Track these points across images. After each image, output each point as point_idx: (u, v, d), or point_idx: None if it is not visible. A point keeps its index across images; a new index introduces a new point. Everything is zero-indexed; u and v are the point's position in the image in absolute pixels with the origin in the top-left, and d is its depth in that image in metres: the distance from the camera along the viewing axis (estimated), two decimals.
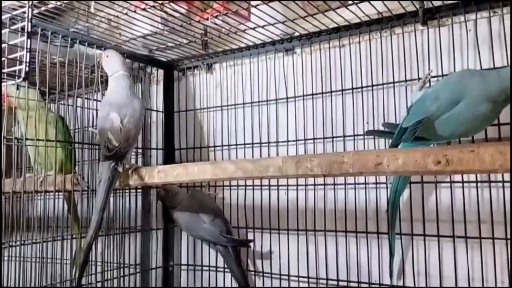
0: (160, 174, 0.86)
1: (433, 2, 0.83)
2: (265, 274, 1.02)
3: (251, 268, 1.04)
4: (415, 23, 0.86)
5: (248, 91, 1.08)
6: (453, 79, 0.68)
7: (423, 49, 0.87)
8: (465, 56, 0.82)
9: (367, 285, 0.89)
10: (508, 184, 0.77)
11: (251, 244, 1.02)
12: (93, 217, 0.85)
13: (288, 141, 1.01)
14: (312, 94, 0.98)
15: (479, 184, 0.79)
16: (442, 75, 0.84)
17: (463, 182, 0.81)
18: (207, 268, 1.10)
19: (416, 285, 0.84)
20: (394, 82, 0.89)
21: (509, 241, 0.75)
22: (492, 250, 0.77)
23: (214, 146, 1.12)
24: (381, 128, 0.87)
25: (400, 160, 0.63)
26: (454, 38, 0.84)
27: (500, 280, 0.76)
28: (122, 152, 0.86)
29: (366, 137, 0.91)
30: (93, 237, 0.84)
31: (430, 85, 0.81)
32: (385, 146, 0.87)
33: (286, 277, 0.99)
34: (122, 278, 1.05)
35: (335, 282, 0.92)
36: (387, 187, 0.88)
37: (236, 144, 1.08)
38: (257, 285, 1.03)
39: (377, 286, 0.88)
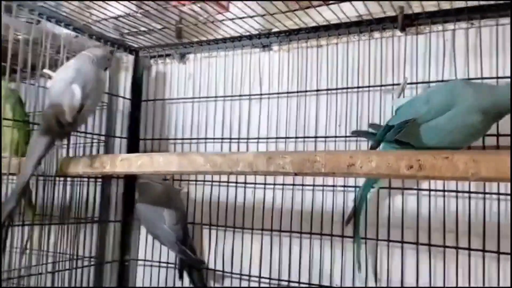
0: (123, 162, 0.81)
1: (413, 8, 0.83)
2: (225, 274, 0.99)
3: (211, 266, 1.01)
4: (394, 29, 0.86)
5: (221, 85, 1.05)
6: (447, 86, 0.66)
7: (399, 55, 0.87)
8: (440, 65, 0.83)
9: None
10: (474, 195, 0.77)
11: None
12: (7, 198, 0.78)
13: (259, 138, 0.99)
14: (287, 93, 0.97)
15: (446, 193, 0.80)
16: (417, 83, 0.84)
17: (429, 190, 0.81)
18: (165, 265, 1.06)
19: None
20: (369, 86, 0.88)
21: (471, 251, 0.76)
22: (455, 259, 0.77)
23: (182, 139, 1.08)
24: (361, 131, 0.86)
25: (373, 163, 0.62)
26: (431, 47, 0.84)
27: None
28: (71, 129, 0.81)
29: (337, 139, 0.91)
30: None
31: (404, 95, 0.80)
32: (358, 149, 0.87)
33: (247, 277, 0.96)
34: (74, 270, 1.00)
35: (297, 284, 0.91)
36: (355, 191, 0.87)
37: (206, 138, 1.05)
38: (216, 285, 1.01)
39: None
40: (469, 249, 0.76)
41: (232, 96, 1.03)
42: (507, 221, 0.75)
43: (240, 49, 1.03)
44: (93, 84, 0.83)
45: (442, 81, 0.81)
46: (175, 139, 1.09)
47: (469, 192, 0.78)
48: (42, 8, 0.90)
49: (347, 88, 0.90)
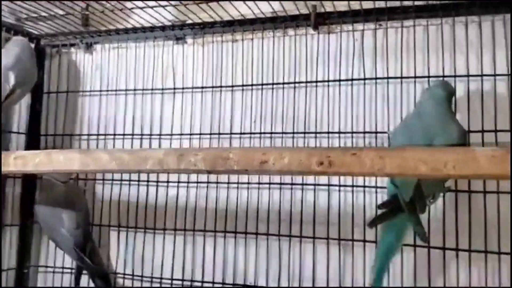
0: (18, 161, 0.73)
1: (326, 7, 0.84)
2: (135, 277, 0.94)
3: (120, 270, 0.95)
4: (307, 26, 0.87)
5: (131, 78, 1.00)
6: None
7: (312, 53, 0.88)
8: (350, 64, 0.85)
9: (241, 286, 0.87)
10: (380, 190, 0.81)
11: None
12: None
13: (172, 134, 0.95)
14: (202, 88, 0.94)
15: (354, 189, 0.82)
16: (328, 81, 0.86)
17: (339, 186, 0.83)
18: (69, 270, 0.98)
19: (291, 286, 0.84)
20: (283, 83, 0.88)
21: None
22: (362, 252, 0.80)
23: (88, 135, 1.01)
24: None
25: (285, 159, 0.61)
26: (341, 46, 0.86)
27: (368, 282, 0.79)
28: None
29: (252, 136, 0.90)
30: None
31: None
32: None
33: (158, 280, 0.92)
34: None
35: (210, 285, 0.89)
36: (269, 188, 0.87)
37: (114, 134, 0.99)
38: None
39: (252, 287, 0.86)
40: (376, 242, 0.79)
41: (143, 90, 0.98)
42: None
43: (152, 41, 0.98)
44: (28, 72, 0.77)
45: (352, 80, 0.84)
46: (81, 135, 1.02)
47: (376, 187, 0.81)
48: None
49: (262, 84, 0.90)
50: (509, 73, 0.75)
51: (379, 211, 0.68)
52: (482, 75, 0.76)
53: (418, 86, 0.80)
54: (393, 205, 0.65)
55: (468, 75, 0.77)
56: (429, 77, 0.79)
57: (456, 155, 0.53)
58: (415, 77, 0.80)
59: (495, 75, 0.76)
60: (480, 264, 0.73)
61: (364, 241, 0.80)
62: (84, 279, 0.92)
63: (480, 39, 0.77)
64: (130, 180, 0.97)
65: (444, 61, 0.79)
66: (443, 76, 0.78)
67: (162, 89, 0.97)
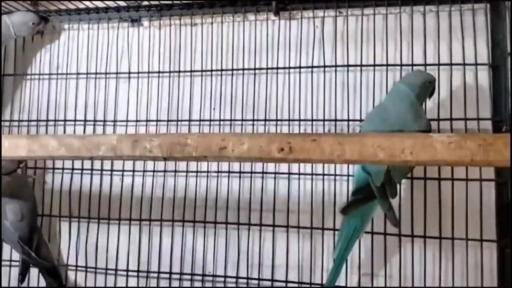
0: None
1: None
2: (88, 269, 0.90)
3: (72, 262, 0.91)
4: (268, 12, 0.86)
5: (84, 61, 0.95)
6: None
7: (273, 40, 0.87)
8: (310, 52, 0.84)
9: (200, 277, 0.85)
10: (339, 178, 0.81)
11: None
12: None
13: (127, 121, 0.91)
14: (158, 72, 0.90)
15: (314, 177, 0.82)
16: (289, 68, 0.85)
17: (299, 174, 0.83)
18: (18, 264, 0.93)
19: (250, 276, 0.83)
20: (243, 69, 0.87)
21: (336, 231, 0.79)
22: (321, 239, 0.80)
23: (37, 121, 0.95)
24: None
25: (245, 145, 0.59)
26: (302, 33, 0.85)
27: (326, 268, 0.79)
28: None
29: (211, 123, 0.87)
30: None
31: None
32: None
33: (113, 272, 0.89)
34: None
35: (167, 275, 0.86)
36: (229, 176, 0.85)
37: (65, 120, 0.94)
38: (77, 283, 0.91)
39: (211, 277, 0.85)
40: (334, 229, 0.79)
41: (96, 73, 0.93)
42: None
43: (106, 22, 0.94)
44: None
45: (312, 67, 0.83)
46: (29, 120, 0.96)
47: (335, 175, 0.81)
48: None
49: (222, 70, 0.87)
50: (463, 62, 0.77)
51: (351, 198, 0.68)
52: (438, 64, 0.77)
53: (377, 74, 0.80)
54: (367, 192, 0.65)
55: (425, 64, 0.78)
56: (387, 65, 0.80)
57: (413, 141, 0.53)
58: (374, 65, 0.80)
59: (451, 64, 0.77)
60: (435, 249, 0.75)
61: (323, 229, 0.80)
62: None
63: (438, 29, 0.78)
64: (82, 169, 0.92)
65: (402, 49, 0.79)
66: (401, 65, 0.79)
67: (117, 73, 0.93)
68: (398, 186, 0.70)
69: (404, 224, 0.75)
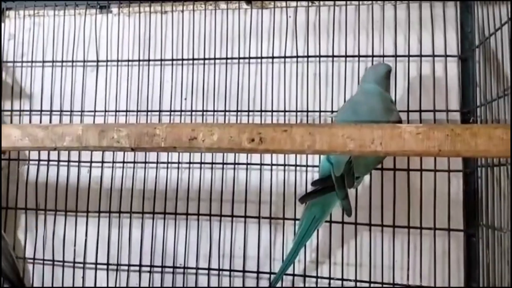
0: None
1: None
2: (55, 263, 0.88)
3: (39, 256, 0.88)
4: (240, 0, 0.84)
5: (50, 49, 0.91)
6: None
7: (245, 29, 0.85)
8: (283, 42, 0.84)
9: (171, 269, 0.84)
10: (311, 169, 0.81)
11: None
12: None
13: (95, 111, 0.88)
14: (128, 61, 0.88)
15: (286, 167, 0.82)
16: (261, 57, 0.84)
17: (271, 164, 0.82)
18: None
19: (221, 267, 0.82)
20: (215, 59, 0.85)
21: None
22: (293, 230, 0.80)
23: (1, 111, 0.92)
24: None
25: (215, 136, 0.59)
26: (274, 22, 0.84)
27: (297, 259, 0.79)
28: None
29: (183, 113, 0.86)
30: None
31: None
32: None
33: (81, 265, 0.87)
34: None
35: (137, 268, 0.85)
36: (201, 167, 0.84)
37: (30, 110, 0.90)
38: (44, 276, 0.88)
39: (182, 269, 0.84)
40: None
41: (62, 62, 0.90)
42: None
43: (73, 9, 0.90)
44: None
45: (285, 57, 0.82)
46: None
47: (307, 166, 0.81)
48: None
49: (193, 59, 0.86)
50: (433, 54, 0.78)
51: (310, 188, 0.68)
52: (409, 56, 0.78)
53: (348, 65, 0.80)
54: (327, 183, 0.65)
55: (395, 55, 0.78)
56: (359, 56, 0.80)
57: (382, 131, 0.53)
58: (346, 56, 0.80)
59: (421, 55, 0.78)
60: (403, 238, 0.76)
61: (295, 219, 0.80)
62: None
63: (408, 20, 0.79)
64: (49, 160, 0.89)
65: (374, 40, 0.80)
66: (372, 56, 0.79)
67: (84, 61, 0.90)
68: (365, 177, 0.70)
69: (374, 214, 0.76)
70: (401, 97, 0.78)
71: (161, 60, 0.87)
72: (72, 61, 0.90)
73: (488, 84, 0.69)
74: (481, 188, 0.71)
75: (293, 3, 0.83)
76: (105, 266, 0.86)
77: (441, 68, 0.77)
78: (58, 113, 0.90)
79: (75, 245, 0.87)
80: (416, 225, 0.75)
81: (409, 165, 0.76)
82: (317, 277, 0.79)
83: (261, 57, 0.84)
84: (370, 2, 0.81)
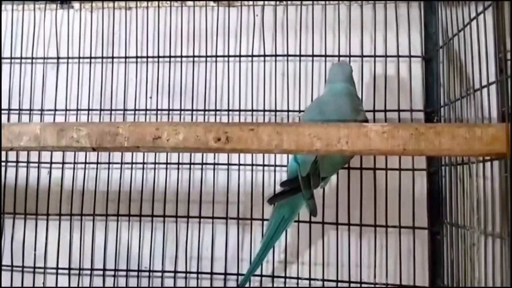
0: None
1: None
2: (14, 268, 0.84)
3: None
4: None
5: (7, 44, 0.88)
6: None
7: (212, 27, 0.84)
8: (250, 40, 0.83)
9: (136, 273, 0.82)
10: (279, 168, 0.80)
11: None
12: None
13: (56, 110, 0.85)
14: (90, 58, 0.85)
15: (254, 167, 0.81)
16: (228, 56, 0.83)
17: (239, 164, 0.81)
18: None
19: (188, 270, 0.81)
20: (181, 57, 0.84)
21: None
22: (260, 231, 0.79)
23: (0, 112, 0.87)
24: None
25: (180, 135, 0.57)
26: (242, 21, 0.84)
27: (266, 259, 0.78)
28: None
29: (148, 112, 0.84)
30: None
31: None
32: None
33: (42, 270, 0.83)
34: None
35: (101, 272, 0.82)
36: (167, 168, 0.83)
37: None
38: (3, 283, 0.84)
39: (147, 272, 0.82)
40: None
41: (21, 58, 0.87)
42: None
43: (32, 3, 0.87)
44: None
45: (252, 56, 0.82)
46: None
47: (275, 165, 0.80)
48: None
49: (159, 57, 0.84)
50: (398, 54, 0.79)
51: (279, 189, 0.67)
52: (375, 56, 0.79)
53: (315, 65, 0.80)
54: (294, 184, 0.65)
55: (362, 56, 0.79)
56: (326, 56, 0.80)
57: (348, 130, 0.53)
58: (313, 55, 0.80)
59: (386, 56, 0.79)
60: (370, 236, 0.77)
61: (263, 219, 0.79)
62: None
63: (374, 21, 0.79)
64: (7, 161, 0.85)
65: (340, 40, 0.80)
66: (339, 56, 0.80)
67: (44, 58, 0.86)
68: (332, 176, 0.70)
69: (341, 213, 0.76)
70: (367, 97, 0.78)
71: (126, 57, 0.85)
72: (32, 58, 0.86)
73: (452, 84, 0.70)
74: (444, 186, 0.73)
75: (260, 2, 0.83)
76: (66, 271, 0.83)
77: (406, 68, 0.78)
78: (17, 111, 0.86)
79: (35, 250, 0.84)
80: (382, 224, 0.75)
81: (375, 164, 0.77)
82: (285, 277, 0.78)
83: (228, 56, 0.83)
84: (336, 2, 0.81)
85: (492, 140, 0.51)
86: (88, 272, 0.83)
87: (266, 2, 0.83)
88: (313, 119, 0.67)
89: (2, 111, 0.86)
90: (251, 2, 0.83)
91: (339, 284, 0.76)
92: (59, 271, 0.83)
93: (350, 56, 0.79)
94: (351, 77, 0.70)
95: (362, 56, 0.79)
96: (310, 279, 0.77)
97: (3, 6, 0.89)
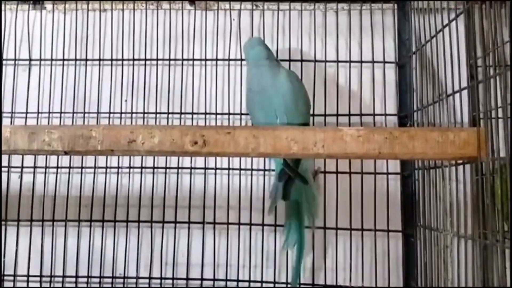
0: None
1: None
2: None
3: None
4: (183, 0, 0.83)
5: None
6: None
7: (189, 30, 0.84)
8: (227, 44, 0.83)
9: (110, 279, 0.80)
10: (255, 172, 0.80)
11: None
12: None
13: (27, 112, 0.83)
14: (63, 60, 0.83)
15: (230, 171, 0.81)
16: (206, 60, 0.83)
17: (216, 168, 0.81)
18: None
19: (163, 276, 0.80)
20: (157, 60, 0.83)
21: (254, 226, 0.79)
22: (237, 235, 0.79)
23: (0, 113, 0.84)
24: None
25: (156, 139, 0.57)
26: (218, 25, 0.84)
27: (242, 264, 0.78)
28: None
29: (123, 115, 0.83)
30: None
31: None
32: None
33: (11, 278, 0.80)
34: None
35: (73, 279, 0.80)
36: (142, 172, 0.81)
37: None
38: None
39: (122, 278, 0.80)
40: (250, 224, 0.79)
41: None
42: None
43: (3, 4, 0.85)
44: None
45: (229, 60, 0.82)
46: None
47: (251, 169, 0.80)
48: None
49: (134, 59, 0.83)
50: (372, 60, 0.80)
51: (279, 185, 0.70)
52: (350, 61, 0.80)
53: (292, 69, 0.81)
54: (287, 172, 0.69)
55: (337, 61, 0.80)
56: (301, 60, 0.81)
57: (324, 134, 0.54)
58: (290, 60, 0.81)
59: (361, 61, 0.80)
60: (346, 239, 0.77)
61: (239, 224, 0.79)
62: None
63: (349, 27, 0.81)
64: None
65: (316, 45, 0.81)
66: (315, 61, 0.80)
67: (15, 59, 0.84)
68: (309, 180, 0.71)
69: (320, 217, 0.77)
70: (342, 101, 0.79)
71: (100, 59, 0.83)
72: (1, 59, 0.84)
73: (424, 89, 0.71)
74: (418, 190, 0.74)
75: (237, 6, 0.83)
76: (38, 278, 0.80)
77: (380, 73, 0.80)
78: None
79: (4, 256, 0.81)
80: (357, 227, 0.76)
81: (350, 168, 0.77)
82: (262, 281, 0.78)
83: (205, 59, 0.82)
84: (312, 7, 0.82)
85: (464, 144, 0.52)
86: (60, 279, 0.80)
87: (242, 6, 0.83)
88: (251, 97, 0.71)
89: None
90: (227, 6, 0.83)
91: None
92: (30, 278, 0.80)
93: (326, 61, 0.80)
94: (263, 48, 0.74)
95: (337, 61, 0.80)
96: (287, 283, 0.77)
97: None
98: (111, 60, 0.83)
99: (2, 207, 0.81)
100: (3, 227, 0.81)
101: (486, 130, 0.51)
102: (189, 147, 0.57)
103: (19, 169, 0.82)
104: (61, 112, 0.82)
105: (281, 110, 0.68)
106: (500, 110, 0.50)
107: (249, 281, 0.78)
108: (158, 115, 0.82)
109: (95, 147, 0.56)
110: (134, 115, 0.83)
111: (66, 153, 0.57)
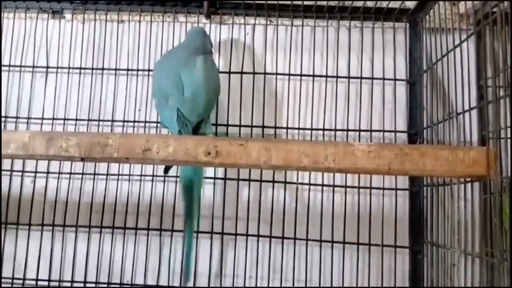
0: None
1: None
2: None
3: None
4: (199, 14, 0.85)
5: None
6: None
7: None
8: (240, 58, 0.84)
9: (118, 286, 0.81)
10: (258, 184, 0.81)
11: None
12: None
13: (43, 118, 0.85)
14: (80, 68, 0.85)
15: (240, 182, 0.82)
16: (219, 72, 0.84)
17: (225, 179, 0.82)
18: None
19: (171, 284, 0.80)
20: None
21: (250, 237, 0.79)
22: (245, 246, 0.79)
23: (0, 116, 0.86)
24: None
25: (170, 148, 0.58)
26: (233, 38, 0.85)
27: (249, 275, 0.79)
28: None
29: (136, 124, 0.84)
30: None
31: None
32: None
33: (21, 282, 0.81)
34: None
35: (82, 285, 0.81)
36: (153, 180, 0.83)
37: None
38: None
39: (129, 286, 0.81)
40: (247, 235, 0.79)
41: (10, 66, 0.86)
42: (294, 207, 0.80)
43: (24, 12, 0.87)
44: None
45: (242, 73, 0.83)
46: None
47: (249, 180, 0.81)
48: None
49: (149, 70, 0.85)
50: (383, 77, 0.81)
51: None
52: (361, 78, 0.81)
53: (303, 84, 0.82)
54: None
55: (348, 77, 0.81)
56: (313, 76, 0.82)
57: (336, 149, 0.55)
58: (301, 75, 0.82)
59: (372, 78, 0.81)
60: (353, 254, 0.78)
61: (247, 235, 0.79)
62: None
63: (361, 44, 0.82)
64: None
65: (328, 61, 0.82)
66: (326, 76, 0.82)
67: (33, 66, 0.86)
68: (316, 194, 0.72)
69: (325, 231, 0.77)
70: (353, 116, 0.80)
71: (116, 69, 0.85)
72: (20, 66, 0.86)
73: (434, 107, 0.72)
74: (426, 206, 0.75)
75: (252, 20, 0.85)
76: (46, 283, 0.81)
77: (391, 90, 0.81)
78: (3, 119, 0.85)
79: (14, 260, 0.82)
80: (365, 242, 0.77)
81: (359, 183, 0.78)
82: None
83: (218, 72, 0.84)
84: (325, 24, 0.84)
85: (473, 163, 0.53)
86: (69, 284, 0.81)
87: (257, 21, 0.85)
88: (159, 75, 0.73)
89: None
90: (242, 20, 0.85)
91: None
92: (39, 282, 0.81)
93: (337, 77, 0.81)
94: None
95: (349, 77, 0.81)
96: None
97: None
98: (127, 70, 0.85)
99: (15, 211, 0.83)
100: (13, 231, 0.82)
101: (495, 150, 0.52)
102: (202, 157, 0.58)
103: (33, 174, 0.84)
104: (76, 119, 0.84)
105: (188, 87, 0.70)
106: (509, 130, 0.51)
107: None
108: None
109: (111, 154, 0.58)
110: (147, 124, 0.84)
111: (82, 159, 0.58)
